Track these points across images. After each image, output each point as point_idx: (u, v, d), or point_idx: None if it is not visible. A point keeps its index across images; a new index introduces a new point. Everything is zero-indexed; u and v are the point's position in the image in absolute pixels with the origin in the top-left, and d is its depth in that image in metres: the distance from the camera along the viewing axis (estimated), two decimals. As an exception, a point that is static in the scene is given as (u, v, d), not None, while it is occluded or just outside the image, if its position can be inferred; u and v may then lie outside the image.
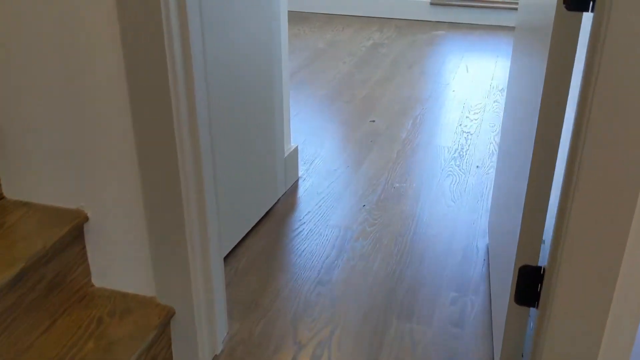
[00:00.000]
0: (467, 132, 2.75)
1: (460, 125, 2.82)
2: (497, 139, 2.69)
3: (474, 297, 1.72)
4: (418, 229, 2.03)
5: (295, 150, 2.28)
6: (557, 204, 1.20)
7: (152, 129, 1.27)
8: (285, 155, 2.19)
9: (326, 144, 2.64)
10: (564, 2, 1.01)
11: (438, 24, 4.46)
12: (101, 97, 1.27)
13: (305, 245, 1.95)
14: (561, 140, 1.13)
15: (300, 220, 2.09)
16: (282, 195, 2.22)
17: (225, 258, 1.86)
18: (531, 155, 1.16)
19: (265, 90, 1.95)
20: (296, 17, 4.63)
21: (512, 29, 4.33)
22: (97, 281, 1.46)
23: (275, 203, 2.17)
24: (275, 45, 1.97)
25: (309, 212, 2.14)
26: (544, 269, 1.18)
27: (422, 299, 1.71)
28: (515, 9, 4.33)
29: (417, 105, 3.04)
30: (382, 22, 4.53)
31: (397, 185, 2.30)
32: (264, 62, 1.91)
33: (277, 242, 1.96)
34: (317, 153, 2.56)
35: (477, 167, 2.45)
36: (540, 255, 1.25)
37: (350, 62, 3.66)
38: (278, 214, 2.12)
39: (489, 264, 1.87)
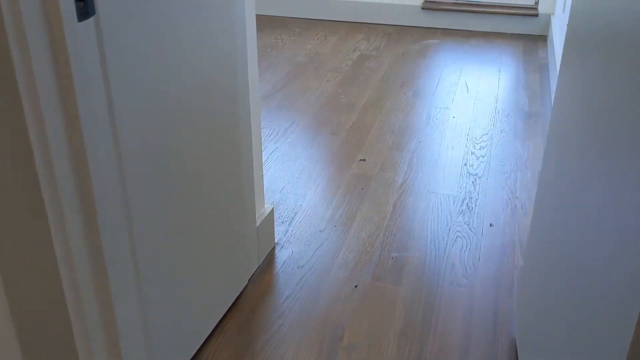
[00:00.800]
0: (475, 175, 2.33)
1: (466, 164, 2.41)
2: (509, 183, 2.27)
3: None
4: (425, 324, 1.61)
5: (271, 213, 1.84)
6: None
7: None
8: (258, 223, 1.76)
9: (309, 193, 2.20)
10: None
11: (430, 31, 4.03)
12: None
13: (284, 351, 1.52)
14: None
15: (277, 310, 1.66)
16: (254, 273, 1.79)
17: (179, 379, 1.43)
18: None
19: (226, 138, 1.51)
20: (273, 23, 4.17)
21: (511, 36, 3.92)
22: None
23: (245, 287, 1.74)
24: (240, 72, 1.52)
25: (288, 296, 1.71)
26: None
27: None
28: (515, 14, 3.91)
29: (413, 138, 2.61)
30: (369, 28, 4.09)
31: (396, 254, 1.88)
32: (223, 97, 1.46)
33: (248, 349, 1.53)
34: (298, 206, 2.12)
35: (491, 225, 2.03)
36: None
37: (335, 80, 3.22)
38: (248, 302, 1.68)
39: (517, 375, 1.47)
